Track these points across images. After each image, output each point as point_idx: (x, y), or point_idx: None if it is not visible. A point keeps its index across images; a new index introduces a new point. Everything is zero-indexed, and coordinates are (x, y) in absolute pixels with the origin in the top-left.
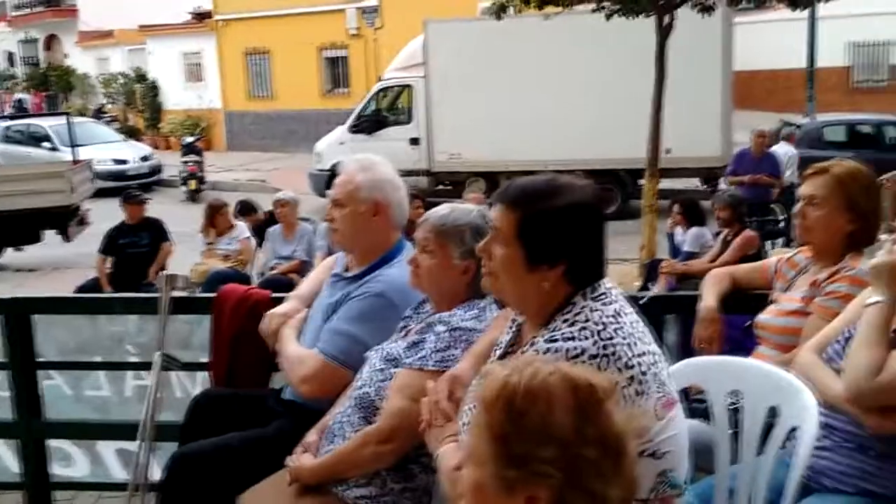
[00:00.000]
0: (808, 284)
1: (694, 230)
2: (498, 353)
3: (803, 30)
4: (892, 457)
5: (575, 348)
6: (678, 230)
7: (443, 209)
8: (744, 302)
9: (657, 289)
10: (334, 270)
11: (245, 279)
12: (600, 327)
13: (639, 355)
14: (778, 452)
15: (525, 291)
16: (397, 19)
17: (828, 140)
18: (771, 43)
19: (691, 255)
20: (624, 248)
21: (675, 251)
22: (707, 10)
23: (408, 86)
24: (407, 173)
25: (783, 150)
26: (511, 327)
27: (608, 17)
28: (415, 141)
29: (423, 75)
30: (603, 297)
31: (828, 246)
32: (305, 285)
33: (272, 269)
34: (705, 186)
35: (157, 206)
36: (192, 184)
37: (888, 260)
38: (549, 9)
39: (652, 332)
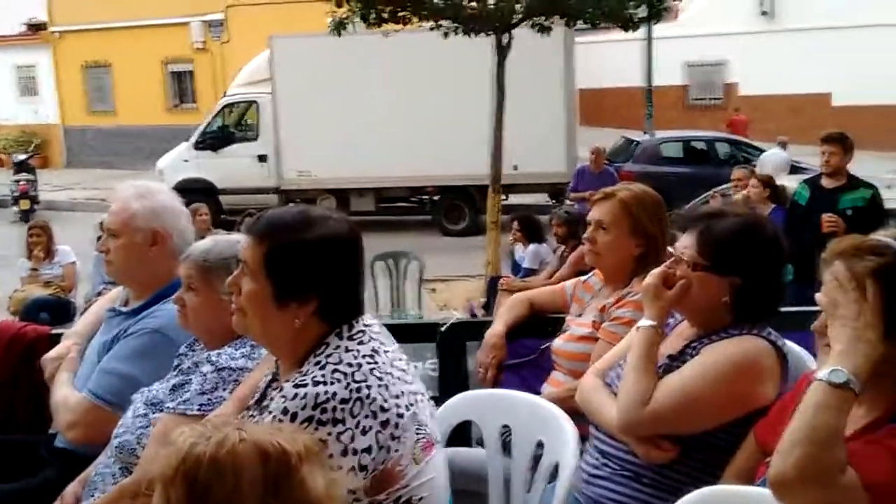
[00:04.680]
0: (598, 309)
1: (532, 247)
2: (256, 397)
3: (644, 50)
4: (663, 485)
5: (325, 392)
6: (518, 247)
7: (205, 243)
8: (541, 326)
9: (497, 306)
10: (113, 305)
11: (66, 307)
12: (353, 369)
13: (395, 396)
14: (547, 487)
15: (274, 330)
16: (244, 34)
17: (665, 156)
18: (615, 62)
19: (531, 272)
20: (472, 264)
21: (517, 267)
22: (545, 30)
23: (254, 102)
24: (255, 191)
25: (778, 155)
26: (273, 369)
27: (445, 35)
28: (262, 158)
29: (269, 91)
30: (360, 335)
31: (617, 270)
32: (84, 320)
33: (99, 294)
34: (553, 202)
35: None
36: (24, 203)
37: (650, 281)
38: (388, 27)
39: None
